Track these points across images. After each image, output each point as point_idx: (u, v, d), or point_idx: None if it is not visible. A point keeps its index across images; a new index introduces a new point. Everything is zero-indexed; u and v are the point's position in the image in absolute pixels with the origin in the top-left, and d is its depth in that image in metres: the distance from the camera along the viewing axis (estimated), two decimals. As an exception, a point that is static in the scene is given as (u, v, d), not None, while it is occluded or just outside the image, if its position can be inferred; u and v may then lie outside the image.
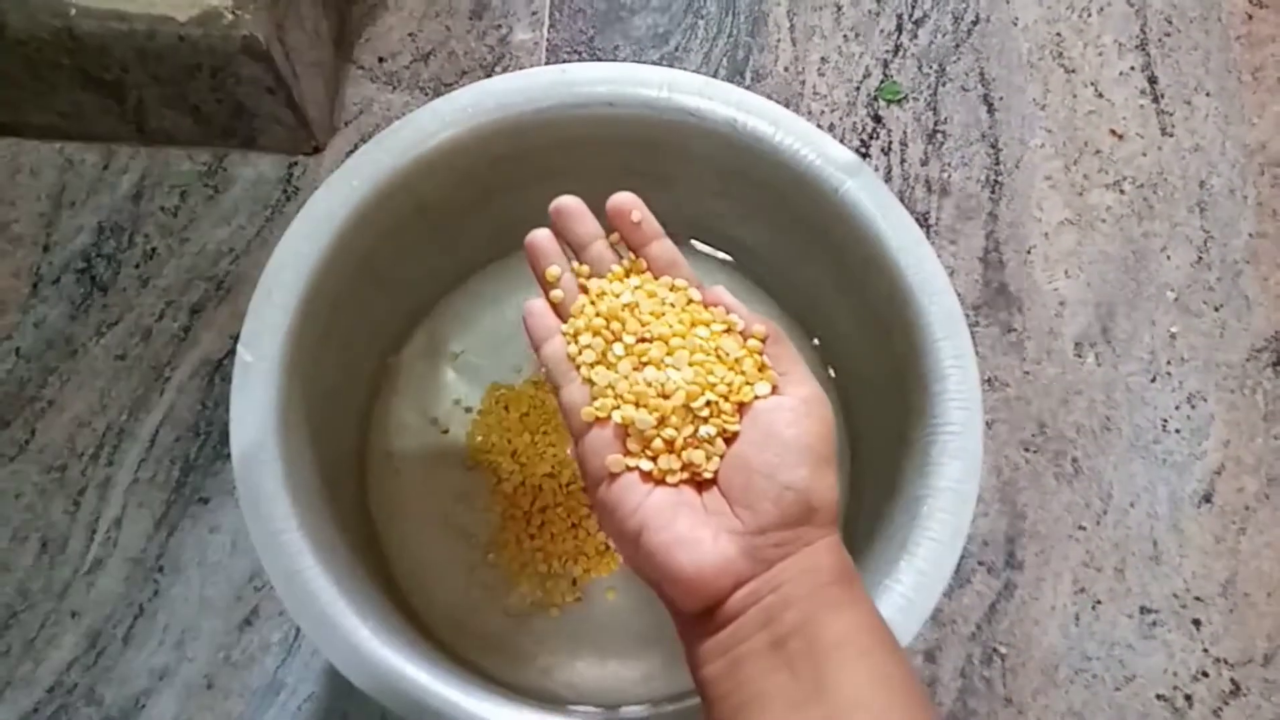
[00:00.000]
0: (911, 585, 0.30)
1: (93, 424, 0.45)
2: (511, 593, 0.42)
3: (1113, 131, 0.54)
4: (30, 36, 0.43)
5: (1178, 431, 0.48)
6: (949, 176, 0.52)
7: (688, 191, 0.40)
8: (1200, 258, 0.51)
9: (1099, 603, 0.45)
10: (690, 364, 0.26)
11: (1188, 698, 0.44)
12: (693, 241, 0.45)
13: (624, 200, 0.28)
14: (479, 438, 0.44)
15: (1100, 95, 0.55)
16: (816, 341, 0.44)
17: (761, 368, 0.26)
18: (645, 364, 0.26)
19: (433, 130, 0.36)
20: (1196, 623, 0.45)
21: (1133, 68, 0.55)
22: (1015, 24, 0.56)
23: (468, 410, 0.44)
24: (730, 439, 0.25)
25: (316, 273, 0.34)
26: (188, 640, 0.41)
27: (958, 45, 0.55)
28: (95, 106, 0.48)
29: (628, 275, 0.28)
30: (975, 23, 0.56)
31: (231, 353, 0.47)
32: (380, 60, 0.54)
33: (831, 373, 0.43)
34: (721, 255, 0.45)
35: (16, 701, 0.40)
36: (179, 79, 0.45)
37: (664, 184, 0.41)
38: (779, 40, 0.55)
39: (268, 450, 0.31)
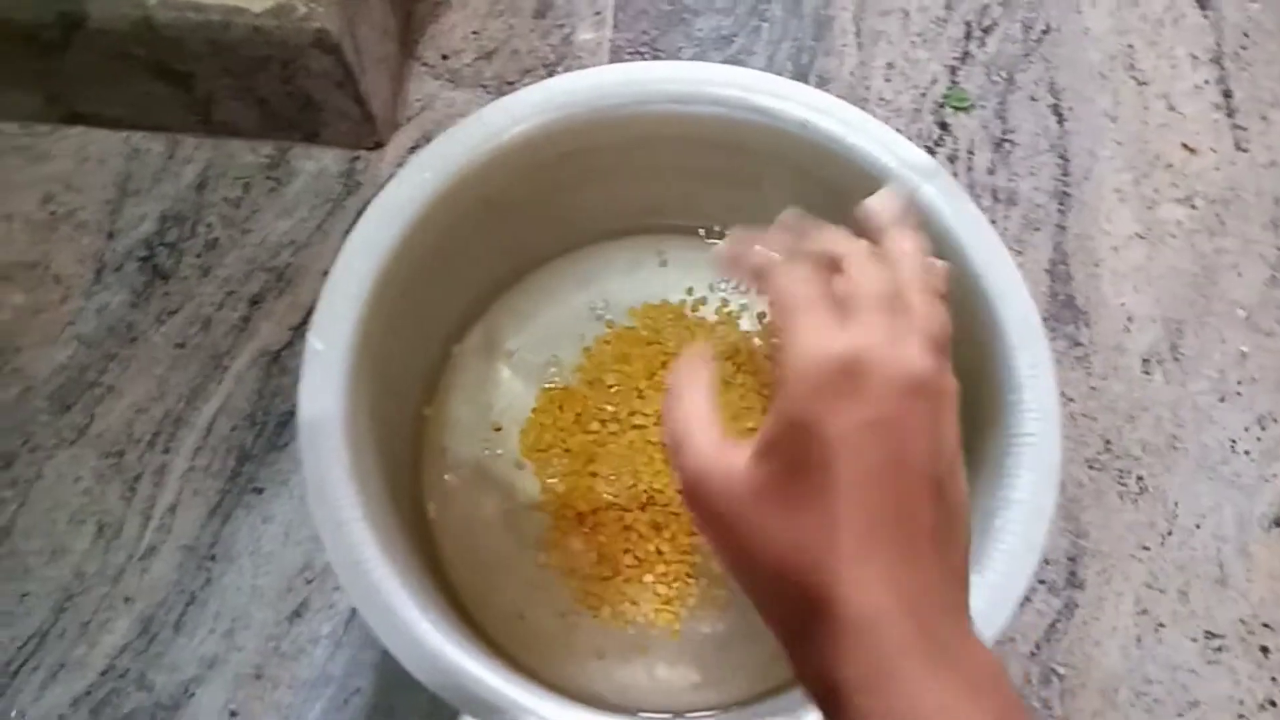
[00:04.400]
0: (985, 600, 0.29)
1: (151, 411, 0.45)
2: (562, 593, 0.41)
3: (1185, 145, 0.52)
4: (110, 28, 0.43)
5: (1247, 453, 0.46)
6: (1016, 186, 0.51)
7: (755, 193, 0.40)
8: (1274, 276, 0.50)
9: (1162, 625, 0.43)
10: None
11: (1255, 728, 0.42)
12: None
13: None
14: (532, 437, 0.44)
15: (1172, 108, 0.53)
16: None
17: None
18: None
19: (503, 126, 0.36)
20: (1264, 650, 0.43)
21: (1207, 81, 0.54)
22: (1086, 34, 0.55)
23: (522, 409, 0.44)
24: None
25: (387, 264, 0.34)
26: (238, 629, 0.41)
27: (1027, 54, 0.54)
28: (164, 97, 0.49)
29: None
30: (1045, 31, 0.55)
31: (290, 345, 0.47)
32: (443, 57, 0.54)
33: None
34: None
35: (71, 683, 0.40)
36: (249, 71, 0.46)
37: (730, 185, 0.41)
38: (844, 45, 0.54)
39: (334, 438, 0.31)
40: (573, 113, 0.36)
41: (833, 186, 0.37)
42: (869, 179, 0.35)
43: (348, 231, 0.49)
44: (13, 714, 0.40)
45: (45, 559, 0.43)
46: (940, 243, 0.34)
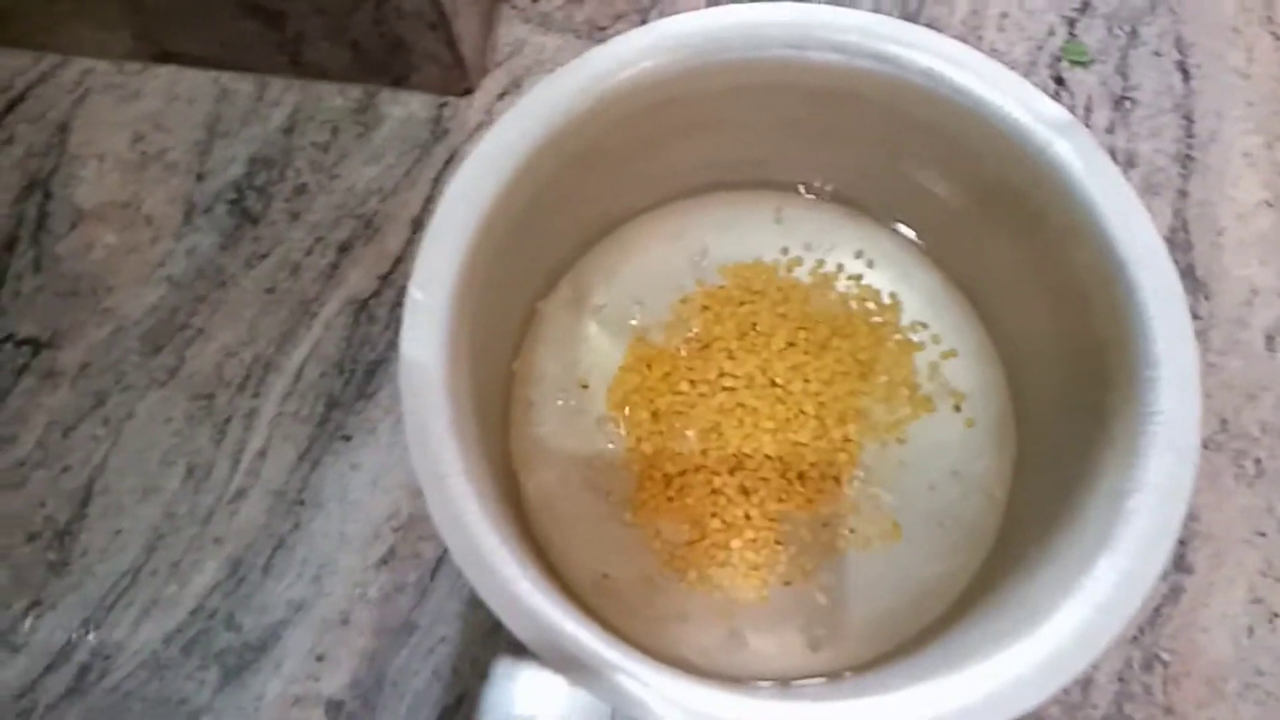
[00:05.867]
0: (1113, 584, 0.28)
1: (240, 355, 0.45)
2: (647, 555, 0.40)
3: (1322, 106, 0.49)
4: (202, -39, 0.43)
5: (1375, 439, 0.44)
6: (1136, 147, 0.48)
7: (866, 147, 0.38)
8: None
9: (1276, 615, 0.41)
10: None
11: (1372, 728, 0.40)
12: (854, 201, 0.43)
13: None
14: (619, 394, 0.43)
15: (1310, 66, 0.50)
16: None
17: None
18: None
19: (609, 70, 0.34)
20: (1386, 648, 0.41)
21: (1350, 36, 0.50)
22: (1217, -16, 0.51)
23: (609, 365, 0.43)
24: None
25: (487, 214, 0.33)
26: (325, 575, 0.42)
27: (1153, 6, 0.51)
28: (254, 36, 0.48)
29: None
30: (1173, -19, 0.51)
31: (378, 294, 0.46)
32: (533, 0, 0.52)
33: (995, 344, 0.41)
34: (894, 223, 0.43)
35: (162, 621, 0.41)
36: (342, 10, 0.44)
37: (840, 138, 0.39)
38: (954, -8, 0.51)
39: (436, 391, 0.30)
40: (682, 56, 0.34)
41: (954, 140, 0.35)
42: (998, 134, 0.33)
43: (437, 179, 0.49)
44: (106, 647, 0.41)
45: (137, 497, 0.43)
46: (1073, 205, 0.32)
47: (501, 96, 0.51)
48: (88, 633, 0.41)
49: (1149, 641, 0.41)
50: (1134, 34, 0.50)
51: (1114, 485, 0.30)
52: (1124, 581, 0.28)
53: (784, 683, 0.38)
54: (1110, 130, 0.48)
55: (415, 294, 0.31)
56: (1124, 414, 0.30)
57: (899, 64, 0.34)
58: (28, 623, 0.41)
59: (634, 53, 0.34)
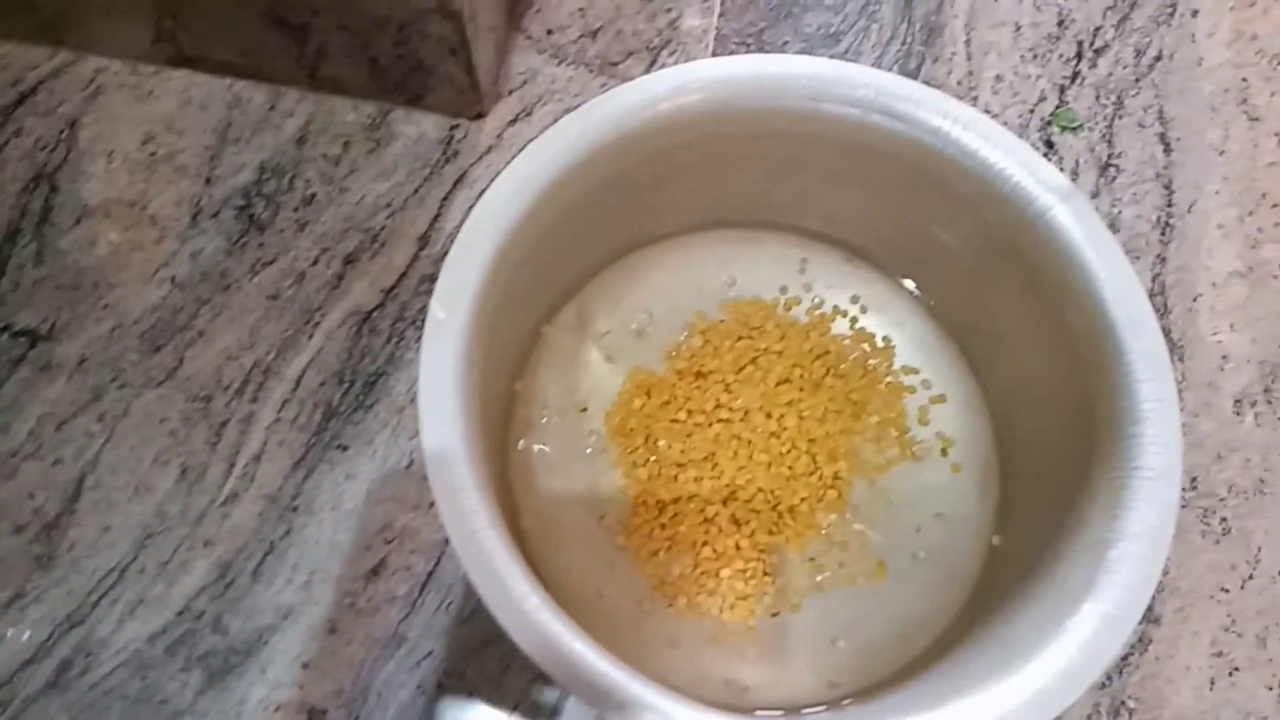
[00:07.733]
0: (1095, 628, 0.29)
1: (240, 359, 0.46)
2: (639, 579, 0.41)
3: (1293, 186, 0.52)
4: (234, -29, 0.43)
5: (1333, 504, 0.46)
6: (1119, 213, 0.50)
7: (876, 197, 0.40)
8: (1374, 327, 0.49)
9: (1237, 669, 0.43)
10: None
11: (1322, 782, 0.42)
12: (856, 247, 0.45)
13: None
14: (617, 420, 0.44)
15: (1283, 147, 0.52)
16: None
17: None
18: None
19: (637, 106, 0.35)
20: (1337, 705, 0.43)
21: (1320, 122, 0.53)
22: (1199, 64, 0.54)
23: (608, 391, 0.44)
24: None
25: (510, 236, 0.34)
26: (315, 582, 0.42)
27: (1138, 79, 0.53)
28: (275, 48, 0.49)
29: None
30: (1158, 59, 0.54)
31: (381, 306, 0.47)
32: (548, 32, 0.54)
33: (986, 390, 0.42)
34: (895, 271, 0.45)
35: (148, 620, 0.41)
36: (366, 30, 0.45)
37: (853, 188, 0.41)
38: (954, 53, 0.53)
39: (452, 408, 0.31)
40: (706, 99, 0.36)
41: (956, 198, 0.37)
42: (1001, 196, 0.35)
43: (445, 199, 0.49)
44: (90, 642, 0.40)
45: (129, 495, 0.43)
46: (1069, 267, 0.34)
47: (513, 122, 0.52)
48: (71, 628, 0.41)
49: (1117, 688, 0.42)
50: (1120, 104, 0.53)
51: (1098, 534, 0.31)
52: (1106, 626, 0.29)
53: (789, 710, 0.39)
54: (1096, 195, 0.50)
55: (436, 311, 0.32)
56: (1108, 467, 0.32)
57: (910, 121, 0.35)
58: (10, 615, 0.41)
59: (662, 91, 0.35)
